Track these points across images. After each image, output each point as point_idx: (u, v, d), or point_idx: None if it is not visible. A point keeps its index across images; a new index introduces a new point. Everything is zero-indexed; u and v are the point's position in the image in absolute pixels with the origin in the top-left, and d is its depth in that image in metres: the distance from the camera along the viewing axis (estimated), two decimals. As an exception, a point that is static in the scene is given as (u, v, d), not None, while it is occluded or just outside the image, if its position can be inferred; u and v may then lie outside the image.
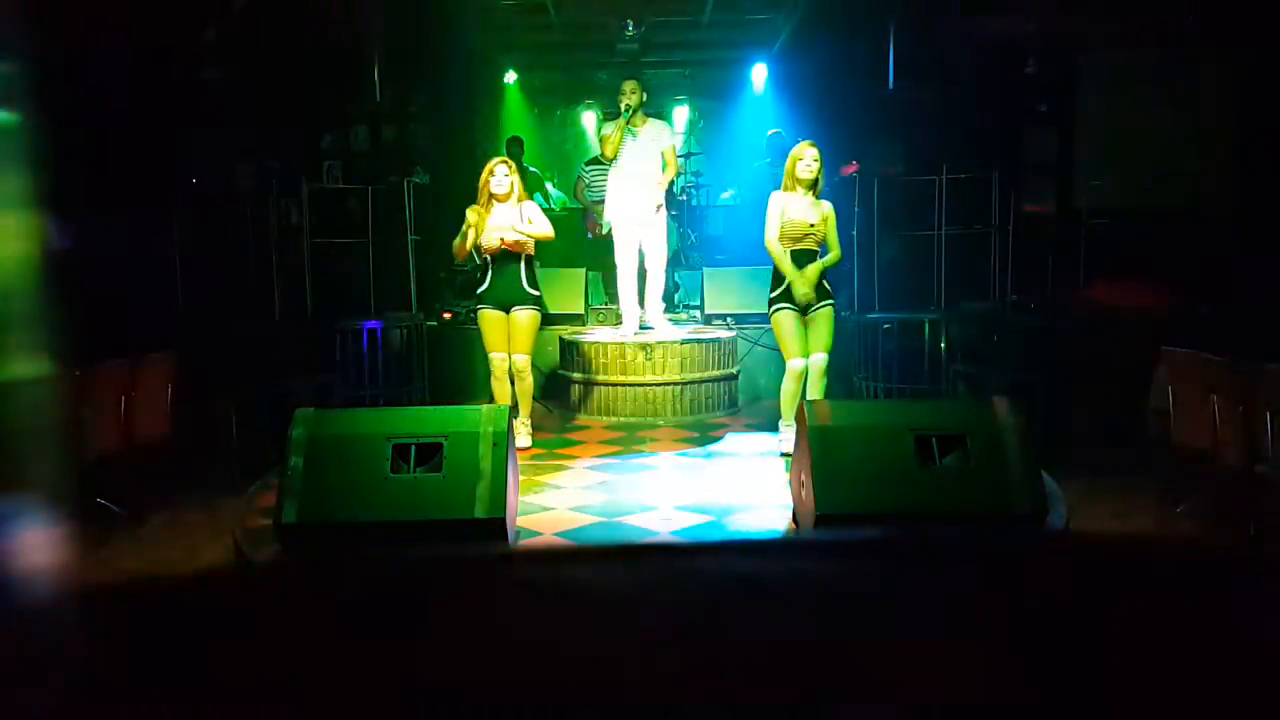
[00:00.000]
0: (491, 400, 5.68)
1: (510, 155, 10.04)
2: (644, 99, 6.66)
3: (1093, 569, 0.70)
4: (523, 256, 5.54)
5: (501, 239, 5.46)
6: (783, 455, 5.42)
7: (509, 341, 5.57)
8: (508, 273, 5.54)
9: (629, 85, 6.60)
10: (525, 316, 5.57)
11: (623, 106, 6.57)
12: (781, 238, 5.32)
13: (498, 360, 5.59)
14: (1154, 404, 5.08)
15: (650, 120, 6.73)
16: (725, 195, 11.13)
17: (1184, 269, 7.48)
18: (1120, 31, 8.43)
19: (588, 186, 8.89)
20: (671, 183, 6.99)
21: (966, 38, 8.26)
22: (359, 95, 9.10)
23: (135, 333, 5.98)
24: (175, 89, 7.83)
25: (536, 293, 5.63)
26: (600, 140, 6.89)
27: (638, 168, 6.65)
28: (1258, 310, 6.09)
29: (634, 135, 6.62)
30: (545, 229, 5.58)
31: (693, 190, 10.12)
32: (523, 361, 5.59)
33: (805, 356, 5.31)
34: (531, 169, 10.39)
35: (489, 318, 5.58)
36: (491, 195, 5.51)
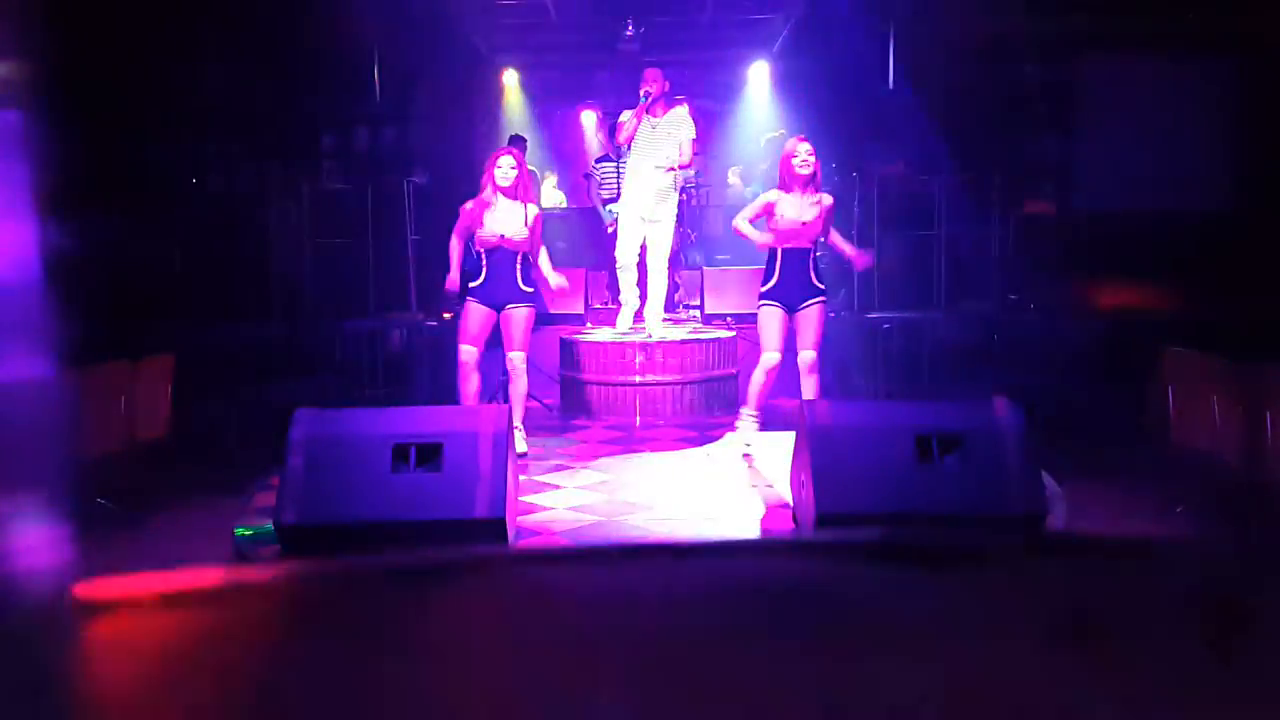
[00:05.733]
0: (500, 400, 5.63)
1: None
2: (666, 88, 6.54)
3: (1092, 570, 0.70)
4: (519, 254, 5.39)
5: (501, 235, 5.32)
6: (723, 445, 5.54)
7: (507, 339, 5.43)
8: (503, 270, 5.38)
9: (651, 73, 6.49)
10: (520, 313, 5.40)
11: (642, 93, 6.44)
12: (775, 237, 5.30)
13: (466, 353, 5.36)
14: (1154, 404, 5.08)
15: (672, 110, 6.57)
16: (732, 174, 11.14)
17: (1184, 269, 7.47)
18: (1120, 31, 8.42)
19: (599, 185, 8.91)
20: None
21: (967, 38, 8.26)
22: (359, 95, 9.10)
23: (135, 333, 5.98)
24: (176, 88, 7.82)
25: (531, 289, 5.47)
26: (615, 126, 6.75)
27: (652, 158, 6.53)
28: (1258, 310, 6.09)
29: (652, 124, 6.53)
30: (549, 269, 5.60)
31: (693, 190, 10.12)
32: (519, 359, 5.43)
33: (779, 351, 5.28)
34: (530, 168, 10.39)
35: (474, 311, 5.38)
36: (496, 187, 5.35)
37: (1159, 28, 8.22)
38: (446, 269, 5.56)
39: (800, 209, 5.23)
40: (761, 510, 4.50)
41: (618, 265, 6.86)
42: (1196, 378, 4.69)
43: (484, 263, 5.40)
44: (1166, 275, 7.49)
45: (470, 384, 5.40)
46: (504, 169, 5.37)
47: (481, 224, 5.34)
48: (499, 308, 5.40)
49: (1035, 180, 8.80)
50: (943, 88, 8.57)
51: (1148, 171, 8.34)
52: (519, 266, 5.42)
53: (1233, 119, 8.44)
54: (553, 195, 11.92)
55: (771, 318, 5.30)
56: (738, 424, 5.57)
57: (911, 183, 7.85)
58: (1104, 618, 0.62)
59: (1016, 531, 3.70)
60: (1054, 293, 7.85)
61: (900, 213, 7.67)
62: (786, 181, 5.28)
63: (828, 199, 5.32)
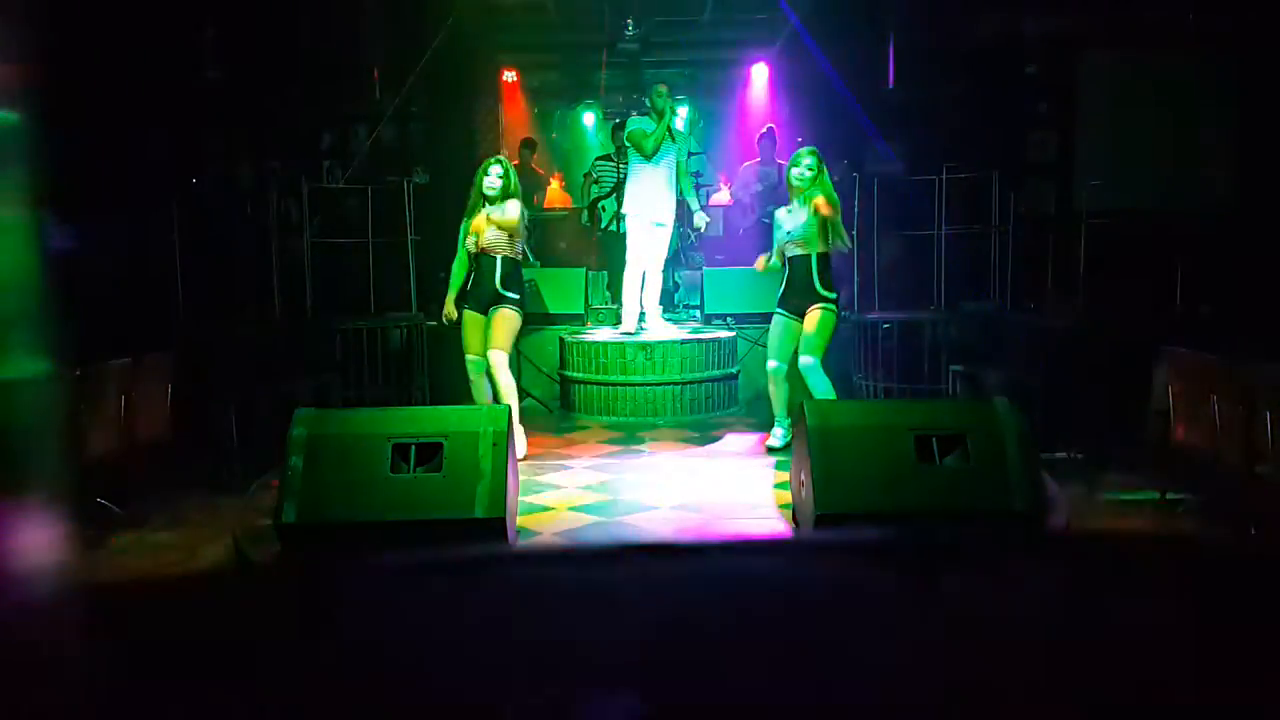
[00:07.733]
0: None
1: (521, 157, 10.09)
2: None
3: (1093, 569, 0.70)
4: (499, 257, 5.36)
5: (477, 240, 5.35)
6: (767, 449, 5.61)
7: (486, 339, 5.39)
8: (486, 274, 5.39)
9: (665, 89, 6.92)
10: (500, 314, 5.36)
11: (668, 108, 6.81)
12: (777, 251, 5.47)
13: (472, 362, 5.45)
14: (1154, 404, 5.08)
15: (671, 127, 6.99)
16: (717, 194, 11.17)
17: (1184, 269, 7.48)
18: (1120, 31, 8.43)
19: (595, 181, 8.95)
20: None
21: (967, 37, 8.27)
22: (359, 95, 9.10)
23: (135, 333, 5.97)
24: (175, 89, 7.83)
25: (514, 295, 5.39)
26: (640, 136, 6.83)
27: (662, 169, 6.83)
28: (1258, 310, 6.09)
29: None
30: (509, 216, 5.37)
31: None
32: (498, 358, 5.33)
33: (782, 360, 5.43)
34: (538, 170, 10.42)
35: (468, 318, 5.44)
36: (483, 196, 5.36)
37: (1158, 27, 8.23)
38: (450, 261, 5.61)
39: (793, 219, 5.38)
40: (762, 510, 4.50)
41: (628, 271, 6.96)
42: (1196, 378, 4.68)
43: (474, 268, 5.48)
44: (1166, 275, 7.49)
45: (480, 392, 5.51)
46: (490, 177, 5.38)
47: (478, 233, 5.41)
48: (485, 310, 5.45)
49: (1035, 180, 8.81)
50: (942, 87, 8.57)
51: (1147, 171, 8.34)
52: (499, 269, 5.43)
53: (1232, 119, 8.44)
54: (557, 196, 11.92)
55: (776, 325, 5.49)
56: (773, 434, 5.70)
57: (911, 183, 7.84)
58: (1104, 617, 0.62)
59: (1016, 531, 3.69)
60: (1053, 292, 7.85)
61: (900, 213, 7.65)
62: (789, 193, 5.46)
63: (817, 200, 5.18)
